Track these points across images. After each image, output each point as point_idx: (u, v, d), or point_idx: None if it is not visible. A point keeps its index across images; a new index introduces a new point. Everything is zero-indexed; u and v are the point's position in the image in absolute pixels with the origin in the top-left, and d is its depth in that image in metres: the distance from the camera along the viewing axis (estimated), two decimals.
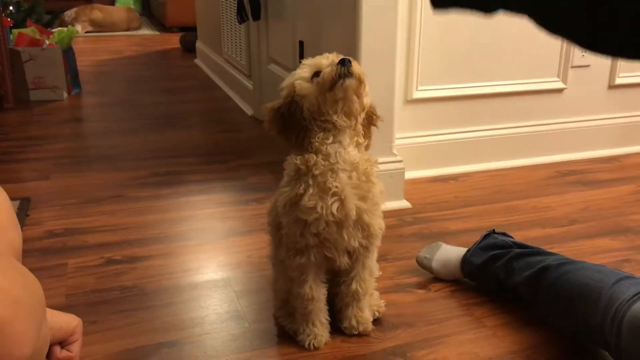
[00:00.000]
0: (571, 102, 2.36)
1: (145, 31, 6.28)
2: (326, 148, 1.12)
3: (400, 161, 1.92)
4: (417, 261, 1.50)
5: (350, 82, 1.09)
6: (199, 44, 4.47)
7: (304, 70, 1.14)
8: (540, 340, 1.26)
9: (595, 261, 1.37)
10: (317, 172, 1.12)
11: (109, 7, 6.37)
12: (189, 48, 4.89)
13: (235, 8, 2.80)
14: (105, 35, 5.94)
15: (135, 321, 1.31)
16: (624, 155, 2.44)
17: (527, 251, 1.35)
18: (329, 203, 1.11)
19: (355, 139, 1.15)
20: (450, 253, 1.46)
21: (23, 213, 1.83)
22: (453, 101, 2.18)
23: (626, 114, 2.47)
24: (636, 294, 1.08)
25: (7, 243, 0.79)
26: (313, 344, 1.22)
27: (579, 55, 2.29)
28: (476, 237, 1.47)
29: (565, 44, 2.26)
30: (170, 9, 6.02)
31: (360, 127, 1.16)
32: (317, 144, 1.12)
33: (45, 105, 3.21)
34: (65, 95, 3.35)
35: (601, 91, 2.41)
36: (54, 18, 4.38)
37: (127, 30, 6.21)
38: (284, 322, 1.28)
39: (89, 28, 6.01)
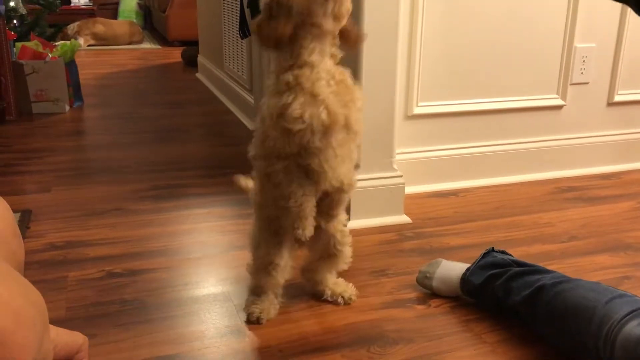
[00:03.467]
0: (570, 119, 2.37)
1: (147, 45, 6.32)
2: (312, 58, 1.15)
3: (400, 176, 1.92)
4: (418, 281, 1.51)
5: None
6: (200, 58, 4.50)
7: None
8: (539, 358, 1.26)
9: (595, 278, 1.38)
10: (306, 84, 1.14)
11: (112, 21, 6.42)
12: (190, 62, 4.92)
13: (237, 23, 2.82)
14: (107, 49, 5.98)
15: (135, 334, 1.31)
16: (623, 171, 2.45)
17: (525, 270, 1.35)
18: (318, 110, 1.13)
19: (333, 49, 1.18)
20: (450, 271, 1.47)
21: (24, 225, 1.83)
22: (453, 117, 2.19)
23: (625, 131, 2.49)
24: (628, 314, 1.09)
25: (8, 254, 0.80)
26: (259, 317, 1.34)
27: (578, 72, 2.31)
28: (476, 253, 1.48)
29: (564, 61, 2.28)
30: (172, 23, 6.06)
31: (336, 42, 1.19)
32: (305, 55, 1.15)
33: (47, 117, 3.23)
34: (67, 108, 3.36)
35: (600, 108, 2.43)
36: (57, 31, 4.41)
37: (130, 43, 6.25)
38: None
39: (92, 41, 6.05)
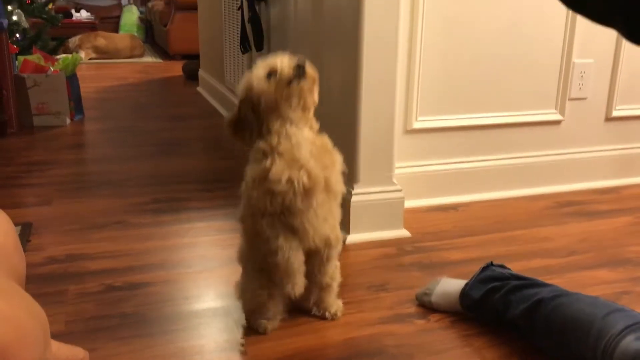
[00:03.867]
0: (569, 134, 2.39)
1: (149, 59, 6.35)
2: (285, 131, 1.23)
3: (399, 190, 1.93)
4: (417, 298, 1.51)
5: (304, 83, 1.22)
6: (201, 72, 4.53)
7: (260, 70, 1.24)
8: None
9: (594, 293, 1.38)
10: (281, 148, 1.22)
11: (113, 35, 6.46)
12: (191, 76, 4.95)
13: (239, 38, 2.85)
14: (108, 62, 6.01)
15: (134, 348, 1.31)
16: (622, 186, 2.46)
17: (523, 283, 1.36)
18: (299, 173, 1.20)
19: (310, 123, 1.27)
20: (449, 286, 1.47)
21: (25, 238, 1.83)
22: (452, 132, 2.20)
23: (624, 146, 2.50)
24: (625, 328, 1.09)
25: (10, 269, 0.80)
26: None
27: (576, 87, 2.33)
28: (476, 267, 1.48)
29: (562, 77, 2.30)
30: (173, 37, 6.10)
31: (312, 118, 1.28)
32: (276, 127, 1.23)
33: (48, 130, 3.24)
34: (68, 121, 3.38)
35: (598, 123, 2.44)
36: (59, 45, 4.43)
37: (131, 57, 6.29)
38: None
39: (93, 55, 6.09)
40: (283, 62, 1.23)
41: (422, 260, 1.76)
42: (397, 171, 1.97)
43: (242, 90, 1.26)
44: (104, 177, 2.52)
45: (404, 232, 1.93)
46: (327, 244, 1.32)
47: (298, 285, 1.28)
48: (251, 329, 1.38)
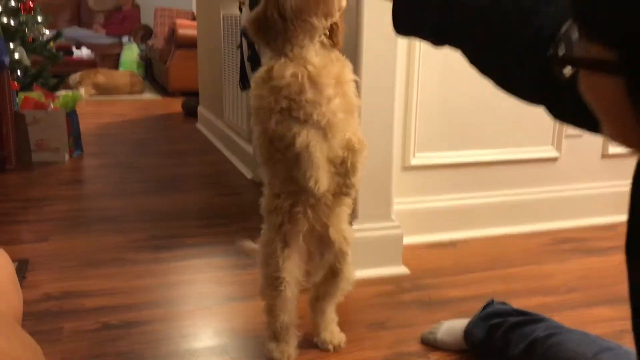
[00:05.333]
0: (565, 171, 2.40)
1: (148, 95, 6.40)
2: (301, 53, 1.20)
3: (398, 227, 1.93)
4: (423, 339, 1.51)
5: None
6: (200, 108, 4.57)
7: None
8: None
9: (594, 331, 1.37)
10: (290, 54, 1.20)
11: (113, 72, 6.52)
12: (190, 112, 4.98)
13: (238, 75, 2.88)
14: (108, 99, 6.06)
15: None
16: (619, 223, 2.46)
17: (522, 320, 1.37)
18: (303, 68, 1.18)
19: (322, 37, 1.23)
20: (455, 325, 1.49)
21: (20, 275, 1.82)
22: (450, 168, 2.22)
23: (620, 183, 2.50)
24: None
25: (8, 307, 0.80)
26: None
27: None
28: (475, 305, 1.47)
29: None
30: (173, 74, 6.16)
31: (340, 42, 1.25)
32: (297, 48, 1.20)
33: (47, 166, 3.25)
34: (66, 157, 3.39)
35: (595, 160, 2.46)
36: (60, 82, 4.48)
37: (130, 94, 6.34)
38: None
39: (93, 91, 6.14)
40: None
41: (421, 298, 1.75)
42: (395, 207, 1.97)
43: None
44: (101, 213, 2.52)
45: (403, 269, 1.92)
46: (350, 147, 1.25)
47: (321, 180, 1.20)
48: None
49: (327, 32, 1.24)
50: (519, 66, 0.74)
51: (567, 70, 0.54)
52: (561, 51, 0.53)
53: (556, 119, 0.76)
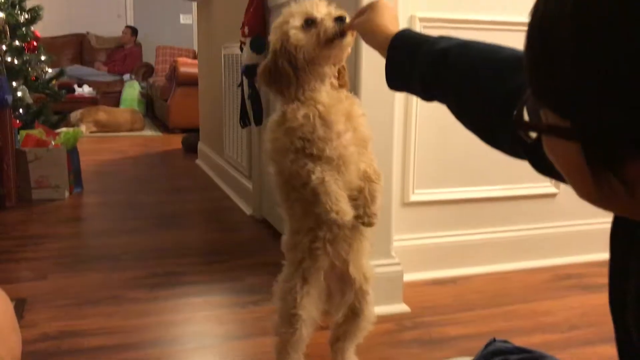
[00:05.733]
0: (564, 207, 2.40)
1: (149, 132, 6.45)
2: (312, 95, 1.22)
3: (398, 264, 1.93)
4: None
5: (347, 41, 1.20)
6: (200, 145, 4.60)
7: (295, 18, 1.20)
8: None
9: None
10: (302, 97, 1.22)
11: (114, 109, 6.59)
12: (190, 148, 5.01)
13: (238, 113, 2.91)
14: (109, 136, 6.10)
15: None
16: None
17: (524, 357, 1.35)
18: (314, 108, 1.20)
19: (331, 80, 1.26)
20: None
21: (18, 314, 1.81)
22: (449, 204, 2.22)
23: None
24: None
25: (7, 349, 0.79)
26: None
27: None
28: (476, 343, 1.46)
29: None
30: (174, 111, 6.22)
31: (346, 81, 1.29)
32: (309, 92, 1.22)
33: (47, 204, 3.25)
34: (66, 194, 3.39)
35: None
36: (61, 119, 4.52)
37: (131, 130, 6.39)
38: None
39: (94, 128, 6.19)
40: (320, 9, 1.19)
41: (422, 337, 1.74)
42: (395, 244, 1.97)
43: (277, 40, 1.22)
44: (100, 251, 2.51)
45: (403, 307, 1.91)
46: (366, 178, 1.25)
47: (343, 209, 1.18)
48: None
49: (336, 74, 1.28)
50: (498, 125, 0.77)
51: (532, 133, 0.56)
52: (525, 116, 0.55)
53: (540, 173, 0.79)
